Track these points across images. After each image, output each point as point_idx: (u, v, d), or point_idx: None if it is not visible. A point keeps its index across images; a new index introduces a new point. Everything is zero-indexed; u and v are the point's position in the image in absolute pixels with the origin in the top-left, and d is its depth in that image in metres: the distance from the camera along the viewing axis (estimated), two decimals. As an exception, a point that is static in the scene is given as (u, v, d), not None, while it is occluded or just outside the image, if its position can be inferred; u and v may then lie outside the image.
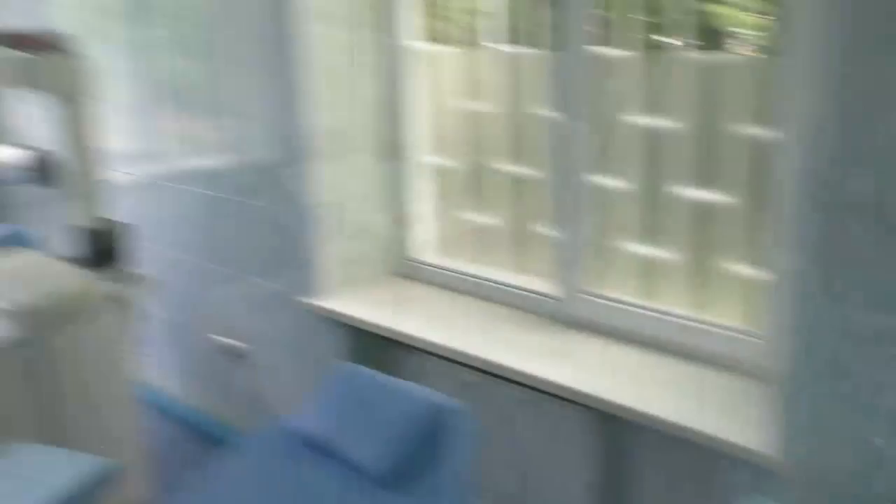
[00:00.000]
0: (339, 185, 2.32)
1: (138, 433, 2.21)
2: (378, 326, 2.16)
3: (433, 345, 2.04)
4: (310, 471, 1.49)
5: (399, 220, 2.46)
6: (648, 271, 1.98)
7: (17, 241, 2.75)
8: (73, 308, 1.97)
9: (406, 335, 2.10)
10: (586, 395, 1.72)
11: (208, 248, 2.70)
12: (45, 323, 1.90)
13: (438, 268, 2.42)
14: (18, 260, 2.21)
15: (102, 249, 2.14)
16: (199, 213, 2.67)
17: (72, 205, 2.14)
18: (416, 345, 2.07)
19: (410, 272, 2.49)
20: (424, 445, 1.44)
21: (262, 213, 2.45)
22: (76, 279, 2.02)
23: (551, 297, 2.11)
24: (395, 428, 1.46)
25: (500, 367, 1.89)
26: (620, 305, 1.98)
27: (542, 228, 2.16)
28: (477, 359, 1.94)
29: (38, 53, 1.97)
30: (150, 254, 2.45)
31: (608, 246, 2.01)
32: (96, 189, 2.15)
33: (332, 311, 2.29)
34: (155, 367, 2.81)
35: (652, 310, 1.93)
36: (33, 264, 2.16)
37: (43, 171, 2.99)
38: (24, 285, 2.00)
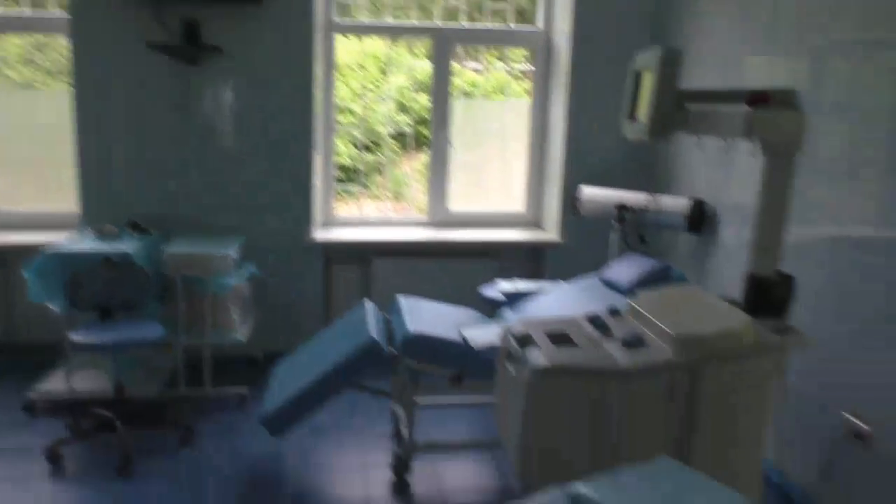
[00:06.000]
0: None
1: (755, 490, 2.15)
2: None
3: None
4: None
5: None
6: None
7: (666, 276, 3.07)
8: (729, 345, 2.04)
9: None
10: None
11: (867, 313, 2.44)
12: (701, 353, 2.00)
13: None
14: (683, 293, 2.42)
15: (767, 298, 2.20)
16: (863, 279, 2.47)
17: (752, 252, 2.23)
18: None
19: None
20: None
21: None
22: (735, 320, 2.09)
23: None
24: None
25: None
26: None
27: None
28: None
29: (765, 107, 2.07)
30: (802, 311, 2.40)
31: None
32: (777, 241, 2.22)
33: None
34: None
35: None
36: (696, 299, 2.32)
37: (696, 219, 3.39)
38: (686, 315, 2.16)
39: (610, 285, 3.16)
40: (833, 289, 2.59)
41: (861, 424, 2.42)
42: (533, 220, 4.36)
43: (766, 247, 2.21)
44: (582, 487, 1.54)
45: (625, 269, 3.18)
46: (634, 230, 3.60)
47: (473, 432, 3.24)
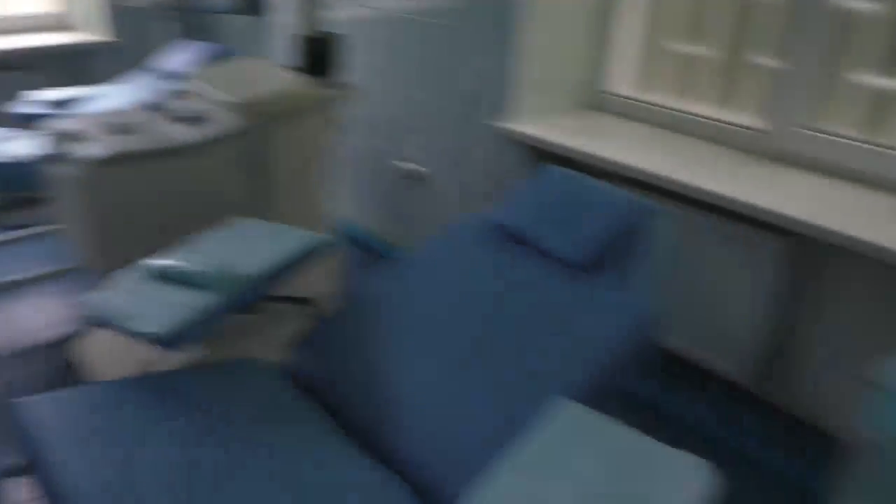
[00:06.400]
0: (544, 8, 2.22)
1: (326, 228, 2.36)
2: (567, 149, 2.11)
3: (625, 167, 1.96)
4: (507, 255, 1.60)
5: (598, 47, 2.35)
6: (882, 105, 1.81)
7: (226, 58, 2.81)
8: (288, 105, 2.13)
9: (595, 157, 2.03)
10: (786, 218, 1.67)
11: (410, 73, 2.71)
12: (264, 116, 2.05)
13: (635, 100, 2.32)
14: (242, 64, 2.45)
15: (318, 58, 2.27)
16: (409, 39, 2.67)
17: (296, 16, 2.30)
18: (607, 168, 2.00)
19: (604, 104, 2.40)
20: (620, 238, 1.51)
21: (465, 37, 2.43)
22: (293, 81, 2.19)
23: (758, 131, 2.02)
24: (593, 221, 1.53)
25: (692, 188, 1.83)
26: (838, 139, 1.86)
27: (761, 59, 2.04)
28: (670, 181, 1.87)
29: None
30: (359, 71, 2.58)
31: (836, 77, 1.85)
32: (318, 2, 2.24)
33: (519, 134, 2.24)
34: (339, 186, 2.69)
35: (876, 145, 1.81)
36: (255, 68, 2.38)
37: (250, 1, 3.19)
38: (246, 84, 2.17)
39: (170, 76, 2.91)
40: (388, 55, 2.80)
41: (416, 167, 2.81)
42: (67, 20, 3.72)
43: (306, 7, 2.25)
44: (152, 260, 1.48)
45: (183, 57, 2.94)
46: (190, 17, 3.32)
47: (44, 265, 2.84)
